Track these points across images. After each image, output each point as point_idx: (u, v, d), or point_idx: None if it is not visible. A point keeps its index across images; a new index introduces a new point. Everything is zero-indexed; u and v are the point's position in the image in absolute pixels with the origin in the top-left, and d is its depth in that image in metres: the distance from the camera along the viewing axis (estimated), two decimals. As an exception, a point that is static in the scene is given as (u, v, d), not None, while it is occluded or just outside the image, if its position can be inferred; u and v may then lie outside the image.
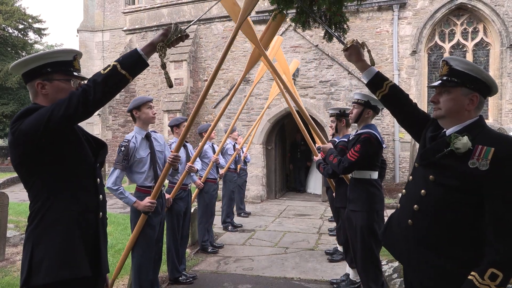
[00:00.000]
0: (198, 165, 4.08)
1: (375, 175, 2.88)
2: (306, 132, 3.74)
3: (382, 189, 2.91)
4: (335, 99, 8.30)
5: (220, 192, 6.61)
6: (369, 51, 1.96)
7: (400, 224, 1.67)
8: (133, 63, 1.58)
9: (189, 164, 3.76)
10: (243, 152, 6.66)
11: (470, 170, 1.45)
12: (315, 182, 9.56)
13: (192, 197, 4.38)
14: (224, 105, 3.66)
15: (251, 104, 8.82)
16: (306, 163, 9.79)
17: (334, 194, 3.76)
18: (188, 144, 4.12)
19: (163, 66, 1.71)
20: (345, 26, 2.67)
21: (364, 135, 2.76)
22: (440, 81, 1.63)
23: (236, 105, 8.84)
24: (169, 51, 11.69)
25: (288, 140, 10.42)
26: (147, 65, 1.62)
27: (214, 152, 4.99)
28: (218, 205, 6.96)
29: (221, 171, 5.52)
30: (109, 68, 1.55)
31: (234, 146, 6.28)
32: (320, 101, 8.35)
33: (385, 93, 1.85)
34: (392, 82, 1.88)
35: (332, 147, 3.11)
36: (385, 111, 9.52)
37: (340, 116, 3.66)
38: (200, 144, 3.83)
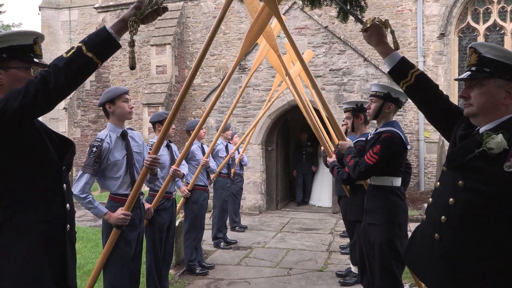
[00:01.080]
0: (184, 169, 4.07)
1: (397, 181, 2.88)
2: (319, 129, 3.75)
3: (406, 198, 2.92)
4: (348, 90, 8.21)
5: (210, 202, 6.61)
6: (392, 32, 1.96)
7: (426, 239, 1.68)
8: (101, 44, 1.56)
9: (173, 167, 3.77)
10: (238, 153, 6.65)
11: (505, 174, 1.44)
12: (320, 192, 9.44)
13: (177, 208, 4.37)
14: (215, 98, 3.69)
15: (248, 97, 8.71)
16: (311, 168, 9.72)
17: (348, 203, 3.81)
18: (172, 144, 4.11)
19: (132, 43, 1.69)
20: (362, 2, 2.65)
21: (385, 134, 2.76)
22: (469, 73, 1.63)
23: (229, 98, 8.78)
24: (150, 33, 11.70)
25: (292, 139, 10.36)
26: (119, 46, 1.61)
27: (204, 153, 5.01)
28: (208, 217, 6.98)
29: (212, 177, 5.51)
30: (72, 51, 1.54)
31: (226, 147, 6.28)
32: (331, 93, 8.28)
33: (411, 84, 1.86)
34: (419, 70, 1.89)
35: (351, 144, 3.12)
36: (407, 105, 9.52)
37: (357, 111, 3.68)
38: (187, 144, 3.84)
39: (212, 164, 5.03)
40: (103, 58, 1.57)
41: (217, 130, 6.00)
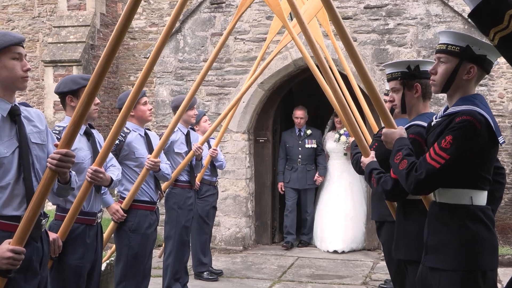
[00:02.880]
0: (165, 166, 4.78)
1: (481, 198, 2.85)
2: (347, 108, 3.76)
3: (494, 226, 2.89)
4: (395, 43, 8.10)
5: (160, 230, 6.65)
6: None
7: None
8: None
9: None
10: (208, 147, 6.66)
11: None
12: (332, 223, 8.57)
13: (104, 239, 4.37)
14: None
15: (226, 52, 8.58)
16: (313, 178, 8.85)
17: (395, 233, 3.66)
18: (95, 132, 4.10)
19: None
20: None
21: (462, 117, 2.75)
22: None
23: (194, 54, 8.74)
24: None
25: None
26: None
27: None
28: (158, 255, 6.96)
29: (163, 186, 5.54)
30: None
31: (188, 136, 6.12)
32: (366, 48, 8.16)
33: (508, 33, 1.90)
34: None
35: (405, 133, 3.12)
36: (494, 70, 9.43)
37: (411, 78, 3.56)
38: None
39: (164, 165, 4.97)
40: None
41: (174, 109, 5.98)
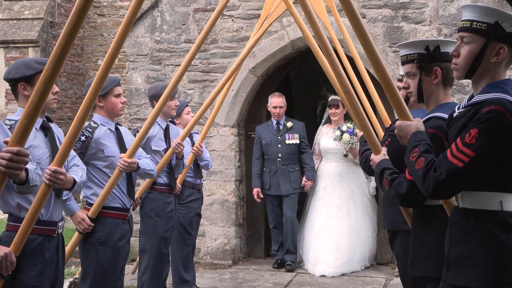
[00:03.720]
0: (146, 162, 4.84)
1: None
2: (354, 97, 3.75)
3: None
4: (411, 19, 8.04)
5: (135, 242, 6.75)
6: None
7: None
8: None
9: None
10: (191, 144, 6.67)
11: None
12: (324, 239, 8.06)
13: (66, 252, 4.32)
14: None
15: (213, 32, 8.35)
16: (299, 181, 8.45)
17: (411, 245, 3.66)
18: (53, 125, 4.09)
19: None
20: None
21: (490, 106, 2.75)
22: None
23: (173, 33, 8.72)
24: None
25: (297, 115, 10.17)
26: None
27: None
28: (131, 271, 7.03)
29: (137, 193, 5.59)
30: None
31: (167, 131, 6.09)
32: (377, 25, 8.13)
33: None
34: None
35: (422, 126, 3.11)
36: None
37: (430, 60, 3.55)
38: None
39: (144, 161, 4.96)
40: None
41: (150, 99, 6.02)
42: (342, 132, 7.93)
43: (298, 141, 8.31)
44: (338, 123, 8.11)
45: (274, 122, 8.34)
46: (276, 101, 8.25)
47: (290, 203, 8.31)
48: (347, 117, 8.00)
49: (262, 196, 8.34)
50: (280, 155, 8.28)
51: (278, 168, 8.30)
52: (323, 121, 8.73)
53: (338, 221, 8.13)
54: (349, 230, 8.07)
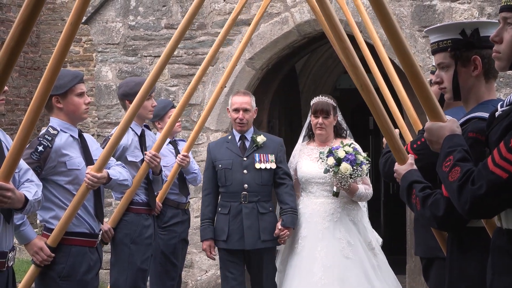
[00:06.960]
0: (118, 173, 4.59)
1: None
2: (373, 93, 3.53)
3: None
4: None
5: (104, 275, 6.77)
6: None
7: None
8: None
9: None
10: (175, 153, 6.40)
11: None
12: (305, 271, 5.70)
13: (22, 287, 4.48)
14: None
15: (201, 15, 8.24)
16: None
17: (449, 274, 3.50)
18: (1, 134, 4.09)
19: None
20: None
21: None
22: None
23: (152, 17, 8.56)
24: None
25: (304, 116, 9.70)
26: None
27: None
28: None
29: (115, 212, 5.49)
30: None
31: (142, 138, 5.67)
32: (403, 6, 7.85)
33: None
34: None
35: (458, 128, 3.04)
36: None
37: (466, 46, 3.38)
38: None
39: (115, 171, 4.75)
40: None
41: (122, 98, 5.62)
42: (339, 160, 5.46)
43: (273, 166, 6.03)
44: (325, 141, 5.86)
45: (237, 136, 6.07)
46: (239, 101, 6.01)
47: (256, 261, 6.13)
48: (338, 134, 5.96)
49: (215, 253, 6.15)
50: (246, 186, 5.94)
51: (243, 207, 5.97)
52: (301, 135, 6.33)
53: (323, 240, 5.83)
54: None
